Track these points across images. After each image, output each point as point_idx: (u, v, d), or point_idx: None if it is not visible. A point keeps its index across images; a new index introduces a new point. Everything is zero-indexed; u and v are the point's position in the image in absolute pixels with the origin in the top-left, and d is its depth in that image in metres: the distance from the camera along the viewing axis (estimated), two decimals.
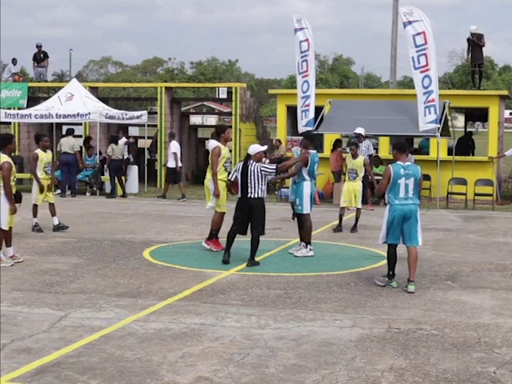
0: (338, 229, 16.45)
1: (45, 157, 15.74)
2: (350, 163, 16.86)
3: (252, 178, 12.29)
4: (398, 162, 10.73)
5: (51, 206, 15.77)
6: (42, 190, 15.53)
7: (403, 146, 11.08)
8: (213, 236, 13.71)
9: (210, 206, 13.76)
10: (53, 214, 15.73)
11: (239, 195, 12.52)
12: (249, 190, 12.31)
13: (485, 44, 25.65)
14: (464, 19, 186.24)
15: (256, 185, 12.30)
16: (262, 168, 12.33)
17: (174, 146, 23.36)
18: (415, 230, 10.73)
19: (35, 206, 15.67)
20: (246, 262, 12.33)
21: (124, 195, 23.22)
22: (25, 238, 14.76)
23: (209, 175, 13.73)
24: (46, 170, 15.72)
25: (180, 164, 23.34)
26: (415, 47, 21.19)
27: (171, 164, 23.28)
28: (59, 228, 15.68)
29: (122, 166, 23.61)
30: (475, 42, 25.35)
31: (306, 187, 13.42)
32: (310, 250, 13.34)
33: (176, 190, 25.78)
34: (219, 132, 13.77)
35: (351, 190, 16.54)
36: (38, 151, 15.76)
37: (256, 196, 12.32)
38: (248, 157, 12.52)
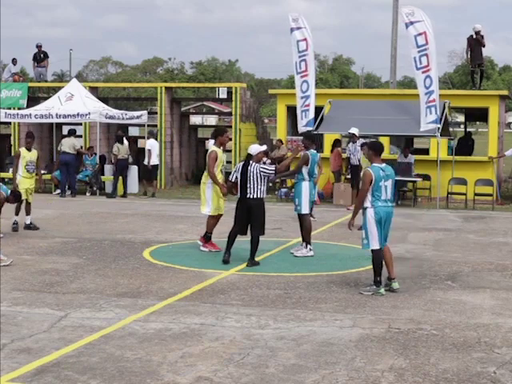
0: None
1: (28, 155, 15.79)
2: (365, 163, 16.84)
3: (251, 178, 12.32)
4: (375, 164, 10.61)
5: (28, 205, 15.75)
6: (14, 187, 15.45)
7: (379, 147, 10.97)
8: (209, 238, 13.74)
9: (207, 212, 13.69)
10: (27, 213, 15.74)
11: (239, 196, 12.53)
12: (248, 191, 12.33)
13: (485, 45, 25.65)
14: (464, 19, 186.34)
15: (255, 185, 12.32)
16: (261, 169, 12.36)
17: (150, 144, 23.73)
18: (388, 231, 10.70)
19: (19, 203, 15.54)
20: (246, 262, 12.34)
21: (124, 195, 23.22)
22: (25, 238, 14.76)
23: (205, 179, 13.71)
24: (28, 168, 15.78)
25: (155, 162, 23.68)
26: (417, 47, 21.23)
27: (155, 162, 23.71)
28: (30, 228, 15.66)
29: (128, 166, 23.70)
30: (478, 41, 25.34)
31: (305, 187, 13.45)
32: (310, 250, 13.35)
33: (176, 189, 25.82)
34: (217, 134, 13.72)
35: None
36: (22, 149, 15.86)
37: (255, 196, 12.34)
38: (249, 157, 12.54)
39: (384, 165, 10.64)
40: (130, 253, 13.40)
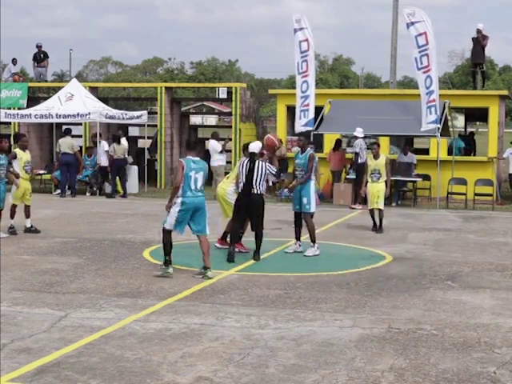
0: (374, 229, 16.45)
1: (24, 156, 15.62)
2: (373, 164, 16.49)
3: (258, 175, 12.69)
4: (189, 157, 11.44)
5: (27, 208, 15.51)
6: (16, 184, 15.23)
7: (191, 144, 11.88)
8: (226, 236, 13.81)
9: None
10: (27, 216, 15.50)
11: (242, 191, 12.72)
12: (254, 187, 12.67)
13: (486, 45, 25.60)
14: (464, 19, 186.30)
15: (260, 182, 12.71)
16: (268, 167, 12.81)
17: (106, 145, 24.05)
18: (205, 221, 11.48)
19: (13, 207, 15.37)
20: (245, 262, 12.44)
21: (124, 195, 23.20)
22: (25, 238, 14.76)
23: (226, 185, 13.76)
24: (26, 168, 15.55)
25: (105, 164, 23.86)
26: (418, 48, 21.23)
27: (105, 163, 23.79)
28: (30, 231, 15.44)
29: (124, 166, 23.64)
30: (478, 40, 25.35)
31: (313, 186, 13.64)
32: (318, 248, 13.51)
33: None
34: (243, 148, 13.97)
35: (375, 191, 16.33)
36: (17, 150, 15.65)
37: (260, 192, 12.74)
38: (252, 155, 12.81)
39: (196, 158, 11.48)
40: (130, 253, 13.40)
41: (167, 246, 11.43)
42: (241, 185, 12.81)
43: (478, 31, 25.39)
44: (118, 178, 23.54)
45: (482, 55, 25.75)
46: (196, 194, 11.31)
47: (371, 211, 16.60)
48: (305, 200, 13.58)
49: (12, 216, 15.36)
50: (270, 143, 13.70)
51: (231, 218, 13.39)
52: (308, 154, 13.65)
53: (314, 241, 13.52)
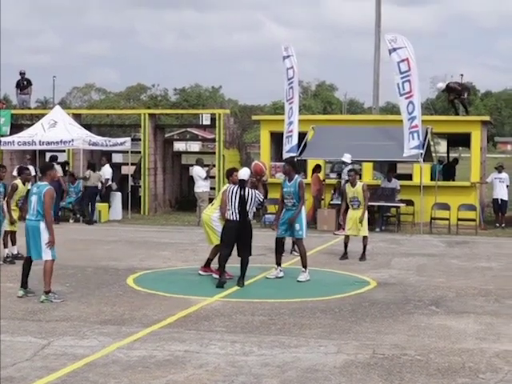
0: (344, 257, 16.19)
1: (22, 190, 15.55)
2: (350, 192, 16.20)
3: (248, 202, 12.72)
4: (38, 182, 12.00)
5: (13, 234, 15.39)
6: (12, 222, 15.18)
7: (42, 169, 12.28)
8: (209, 263, 13.79)
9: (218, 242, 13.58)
10: (13, 243, 15.43)
11: (231, 218, 12.70)
12: (244, 215, 12.70)
13: (460, 92, 25.68)
14: (445, 45, 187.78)
15: (250, 209, 12.79)
16: (257, 194, 12.85)
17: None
18: (38, 244, 11.80)
19: (5, 235, 15.21)
20: (229, 288, 12.41)
21: (90, 222, 23.06)
22: (8, 266, 14.66)
23: (210, 212, 13.69)
24: (19, 202, 15.49)
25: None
26: (400, 74, 21.40)
27: None
28: (17, 258, 15.10)
29: (97, 194, 23.73)
30: (450, 92, 25.65)
31: (304, 212, 13.76)
32: (309, 273, 13.56)
33: (160, 216, 25.75)
34: (228, 175, 13.87)
35: (355, 219, 16.00)
36: (19, 182, 15.57)
37: (249, 219, 12.82)
38: (242, 182, 12.85)
39: (43, 183, 11.81)
40: (114, 280, 13.35)
41: (24, 269, 12.03)
42: (229, 212, 12.77)
43: (442, 90, 25.85)
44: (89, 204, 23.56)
45: (462, 95, 25.80)
46: (29, 217, 11.76)
47: (346, 238, 16.32)
48: (297, 226, 13.60)
49: (5, 245, 15.26)
50: (259, 170, 13.70)
51: (218, 245, 13.32)
52: (297, 182, 13.66)
53: (305, 266, 13.54)
